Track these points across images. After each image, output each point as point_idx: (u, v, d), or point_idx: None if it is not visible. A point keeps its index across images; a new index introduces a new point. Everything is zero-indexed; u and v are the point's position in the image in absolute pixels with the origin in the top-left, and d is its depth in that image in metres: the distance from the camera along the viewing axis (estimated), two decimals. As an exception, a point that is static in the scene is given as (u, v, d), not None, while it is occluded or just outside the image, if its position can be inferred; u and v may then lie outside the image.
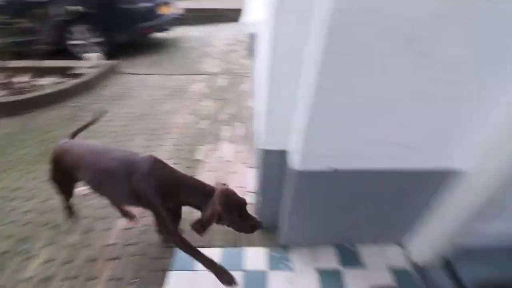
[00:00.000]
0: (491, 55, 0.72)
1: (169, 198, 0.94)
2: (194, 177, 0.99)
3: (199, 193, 0.94)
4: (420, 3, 0.63)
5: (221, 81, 3.21)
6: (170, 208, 0.97)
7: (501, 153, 0.84)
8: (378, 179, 0.97)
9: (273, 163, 1.06)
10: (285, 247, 1.26)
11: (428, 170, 0.96)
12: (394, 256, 1.25)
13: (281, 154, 1.01)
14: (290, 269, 1.18)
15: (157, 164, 0.97)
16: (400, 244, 1.28)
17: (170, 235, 1.00)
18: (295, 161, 0.93)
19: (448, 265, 1.20)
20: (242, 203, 0.94)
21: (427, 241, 1.17)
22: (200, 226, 0.90)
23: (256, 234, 1.23)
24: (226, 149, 1.99)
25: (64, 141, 1.15)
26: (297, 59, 0.79)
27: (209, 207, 0.90)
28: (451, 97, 0.79)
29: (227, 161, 1.87)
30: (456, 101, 0.81)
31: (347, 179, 0.96)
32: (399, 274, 1.18)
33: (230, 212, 0.90)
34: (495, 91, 0.78)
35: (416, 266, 1.21)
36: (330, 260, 1.21)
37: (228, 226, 0.93)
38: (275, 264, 1.20)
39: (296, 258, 1.22)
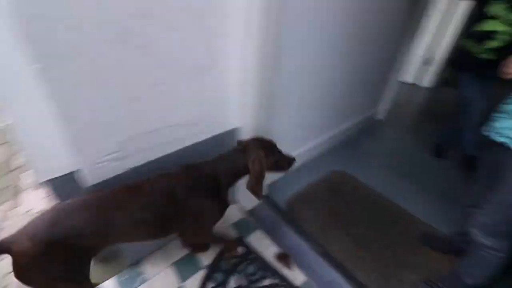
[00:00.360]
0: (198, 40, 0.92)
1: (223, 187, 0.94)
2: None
3: (239, 157, 0.94)
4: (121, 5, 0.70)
5: None
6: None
7: (252, 112, 1.13)
8: (184, 157, 1.07)
9: (68, 191, 0.94)
10: (134, 264, 1.20)
11: (218, 134, 1.16)
12: (234, 214, 1.46)
13: (71, 177, 0.92)
14: (146, 280, 1.15)
15: (190, 168, 0.91)
16: (235, 202, 1.51)
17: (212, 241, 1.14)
18: (86, 178, 0.87)
19: (267, 199, 1.54)
20: (273, 143, 1.00)
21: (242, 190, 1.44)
22: (256, 183, 0.91)
23: (97, 269, 1.14)
24: (33, 199, 1.60)
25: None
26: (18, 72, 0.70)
27: (253, 159, 0.91)
28: (201, 73, 0.97)
29: (38, 212, 1.51)
30: (207, 75, 0.99)
31: (151, 171, 1.00)
32: (239, 225, 1.40)
33: (271, 153, 0.95)
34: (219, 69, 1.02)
35: (249, 212, 1.48)
36: (182, 250, 1.27)
37: (270, 169, 0.95)
38: (129, 285, 1.13)
39: (150, 265, 1.20)
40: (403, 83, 3.41)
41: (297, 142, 1.70)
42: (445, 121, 2.27)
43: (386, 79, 2.40)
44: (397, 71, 2.38)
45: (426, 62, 3.27)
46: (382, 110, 2.60)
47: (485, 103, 1.70)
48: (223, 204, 0.96)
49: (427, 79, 3.40)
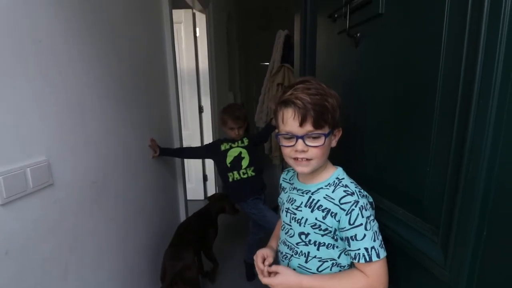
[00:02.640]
0: None
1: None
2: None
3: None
4: None
5: None
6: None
7: None
8: None
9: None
10: None
11: None
12: None
13: None
14: None
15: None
16: None
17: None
18: None
19: None
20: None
21: None
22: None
23: None
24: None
25: None
26: None
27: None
28: None
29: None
30: None
31: None
32: None
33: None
34: None
35: None
36: None
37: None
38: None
39: None
40: (193, 200, 3.48)
41: None
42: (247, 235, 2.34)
43: (176, 210, 2.21)
44: (183, 197, 2.29)
45: (205, 178, 3.60)
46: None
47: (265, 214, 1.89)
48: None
49: (211, 192, 3.70)
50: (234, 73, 5.20)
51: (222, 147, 1.88)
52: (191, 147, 2.05)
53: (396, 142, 0.76)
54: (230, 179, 1.89)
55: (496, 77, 0.48)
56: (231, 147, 1.87)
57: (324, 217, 0.76)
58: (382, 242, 0.74)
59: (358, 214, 0.71)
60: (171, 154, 1.94)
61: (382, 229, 0.79)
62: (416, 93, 0.68)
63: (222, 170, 1.92)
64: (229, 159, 1.86)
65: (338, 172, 0.82)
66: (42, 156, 0.92)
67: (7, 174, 0.79)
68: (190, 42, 3.18)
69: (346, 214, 0.72)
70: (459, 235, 0.58)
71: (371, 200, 0.78)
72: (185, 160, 2.44)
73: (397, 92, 0.74)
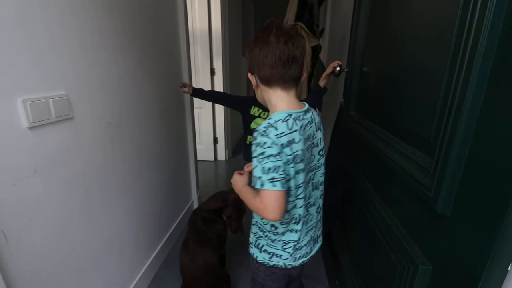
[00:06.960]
0: None
1: None
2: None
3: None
4: None
5: None
6: None
7: None
8: None
9: None
10: None
11: None
12: None
13: None
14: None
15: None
16: None
17: None
18: None
19: None
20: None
21: None
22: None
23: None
24: None
25: None
26: None
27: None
28: None
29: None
30: None
31: None
32: None
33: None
34: None
35: None
36: None
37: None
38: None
39: None
40: (203, 161, 3.62)
41: None
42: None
43: (186, 166, 2.34)
44: (193, 154, 2.40)
45: (215, 141, 3.70)
46: (195, 196, 2.48)
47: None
48: None
49: (221, 154, 3.83)
50: (249, 38, 5.07)
51: (251, 111, 1.83)
52: (224, 93, 2.04)
53: (416, 88, 0.80)
54: (247, 141, 1.93)
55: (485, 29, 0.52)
56: (259, 116, 1.82)
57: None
58: (275, 179, 0.76)
59: (254, 148, 0.82)
60: (202, 95, 1.94)
61: (393, 166, 0.87)
62: (435, 48, 0.70)
63: (245, 127, 1.93)
64: (253, 125, 1.84)
65: (276, 114, 0.86)
66: (61, 91, 1.00)
67: (33, 101, 0.87)
68: (203, 0, 3.10)
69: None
70: (444, 161, 0.62)
71: (280, 142, 0.79)
72: (196, 122, 2.49)
73: (421, 45, 0.77)
